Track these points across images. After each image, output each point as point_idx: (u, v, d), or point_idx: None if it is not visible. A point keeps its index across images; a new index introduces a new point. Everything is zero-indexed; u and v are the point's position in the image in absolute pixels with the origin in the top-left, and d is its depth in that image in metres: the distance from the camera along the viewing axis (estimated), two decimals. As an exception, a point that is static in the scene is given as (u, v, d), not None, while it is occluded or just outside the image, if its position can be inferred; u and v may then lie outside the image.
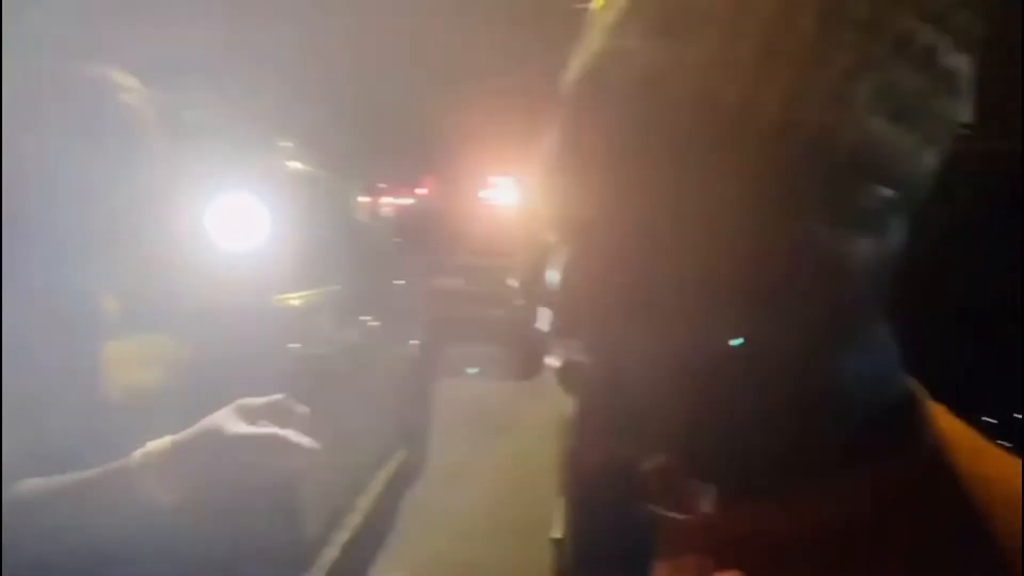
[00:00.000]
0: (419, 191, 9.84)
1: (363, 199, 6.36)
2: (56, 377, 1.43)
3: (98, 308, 1.46)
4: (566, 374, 0.51)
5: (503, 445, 5.31)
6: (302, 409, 1.30)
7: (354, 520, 3.58)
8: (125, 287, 1.50)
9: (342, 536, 3.41)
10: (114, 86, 1.45)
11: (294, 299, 2.89)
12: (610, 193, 0.43)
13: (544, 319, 0.49)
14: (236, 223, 2.17)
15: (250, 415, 1.21)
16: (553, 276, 0.47)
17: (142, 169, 1.48)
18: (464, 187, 9.75)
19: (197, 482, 1.18)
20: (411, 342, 4.65)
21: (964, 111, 0.42)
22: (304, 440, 1.21)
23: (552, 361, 0.51)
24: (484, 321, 7.49)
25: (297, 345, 2.57)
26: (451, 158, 10.44)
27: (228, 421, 1.19)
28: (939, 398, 0.48)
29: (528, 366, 7.10)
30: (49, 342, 1.43)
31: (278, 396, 1.27)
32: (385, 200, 9.39)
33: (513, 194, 9.51)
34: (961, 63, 0.41)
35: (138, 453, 1.17)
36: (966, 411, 0.48)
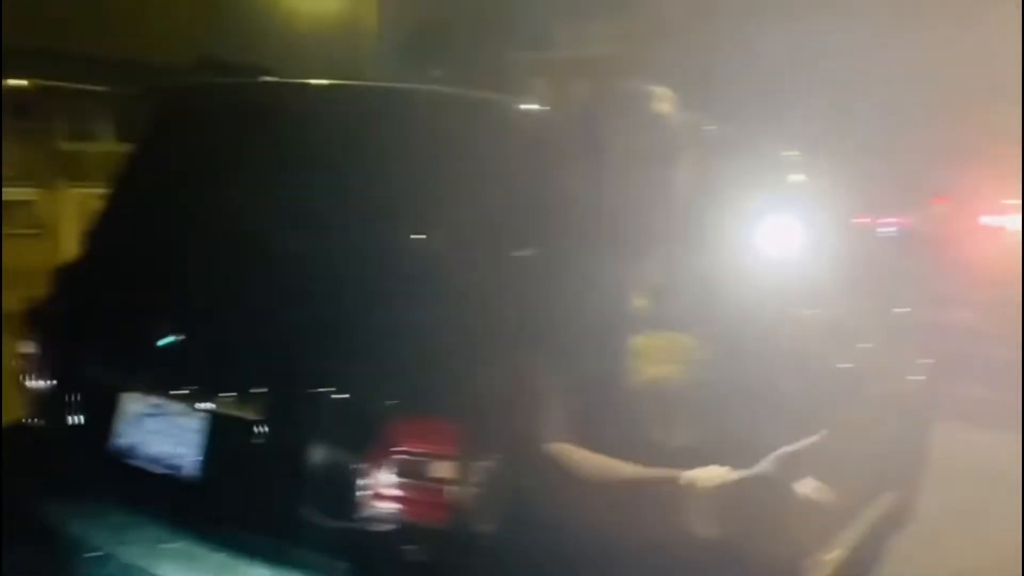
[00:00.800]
0: (925, 211, 8.99)
1: (863, 217, 6.01)
2: (590, 362, 1.57)
3: (629, 304, 1.57)
4: None
5: (1009, 505, 4.59)
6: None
7: (835, 556, 3.40)
8: (656, 286, 1.59)
9: (822, 571, 3.26)
10: (650, 98, 1.54)
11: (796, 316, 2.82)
12: None
13: None
14: (753, 236, 2.19)
15: (792, 468, 1.19)
16: None
17: (675, 178, 1.56)
18: (976, 210, 8.65)
19: (740, 525, 1.18)
20: (909, 378, 4.26)
21: None
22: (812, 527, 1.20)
23: None
24: (994, 363, 6.55)
25: (800, 363, 2.51)
26: (962, 176, 9.37)
27: (778, 472, 1.18)
28: None
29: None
30: (585, 331, 1.57)
31: (813, 438, 1.22)
32: (886, 220, 8.73)
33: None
34: None
35: (697, 473, 1.20)
36: None
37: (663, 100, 1.52)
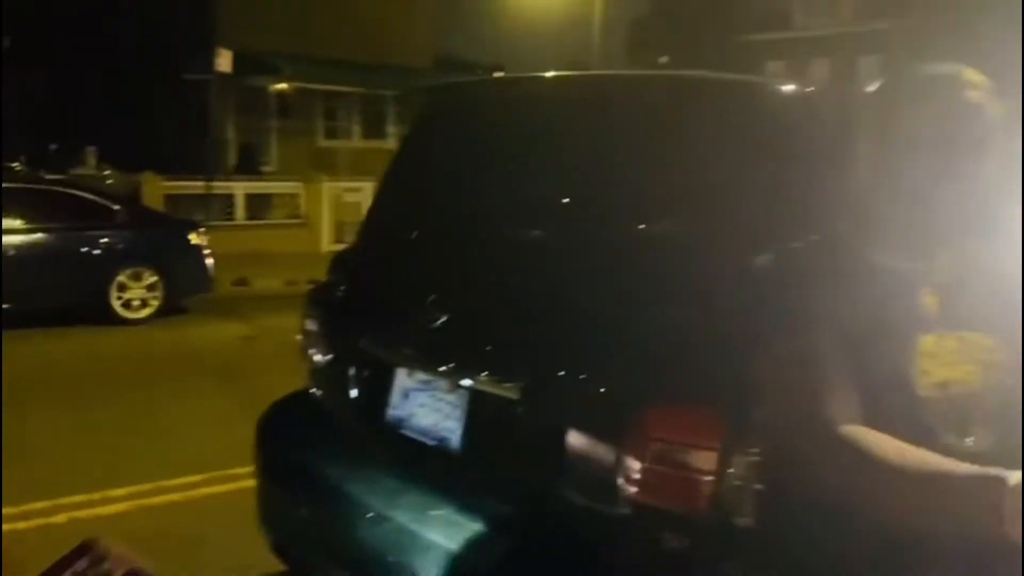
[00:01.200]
0: None
1: None
2: (872, 357, 1.48)
3: (918, 302, 1.47)
4: None
5: None
6: None
7: None
8: (947, 283, 1.48)
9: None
10: (961, 84, 1.42)
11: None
12: None
13: None
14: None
15: None
16: None
17: (981, 167, 1.43)
18: None
19: None
20: None
21: None
22: None
23: None
24: None
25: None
26: None
27: None
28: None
29: None
30: (870, 329, 1.48)
31: None
32: None
33: None
34: None
35: (1012, 474, 1.12)
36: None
37: (976, 86, 1.40)
